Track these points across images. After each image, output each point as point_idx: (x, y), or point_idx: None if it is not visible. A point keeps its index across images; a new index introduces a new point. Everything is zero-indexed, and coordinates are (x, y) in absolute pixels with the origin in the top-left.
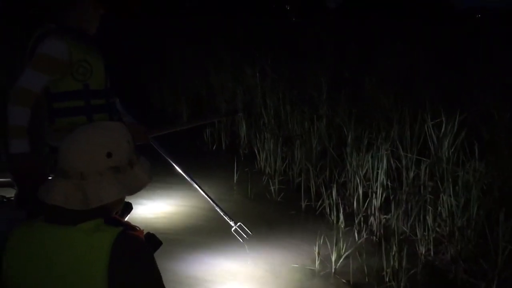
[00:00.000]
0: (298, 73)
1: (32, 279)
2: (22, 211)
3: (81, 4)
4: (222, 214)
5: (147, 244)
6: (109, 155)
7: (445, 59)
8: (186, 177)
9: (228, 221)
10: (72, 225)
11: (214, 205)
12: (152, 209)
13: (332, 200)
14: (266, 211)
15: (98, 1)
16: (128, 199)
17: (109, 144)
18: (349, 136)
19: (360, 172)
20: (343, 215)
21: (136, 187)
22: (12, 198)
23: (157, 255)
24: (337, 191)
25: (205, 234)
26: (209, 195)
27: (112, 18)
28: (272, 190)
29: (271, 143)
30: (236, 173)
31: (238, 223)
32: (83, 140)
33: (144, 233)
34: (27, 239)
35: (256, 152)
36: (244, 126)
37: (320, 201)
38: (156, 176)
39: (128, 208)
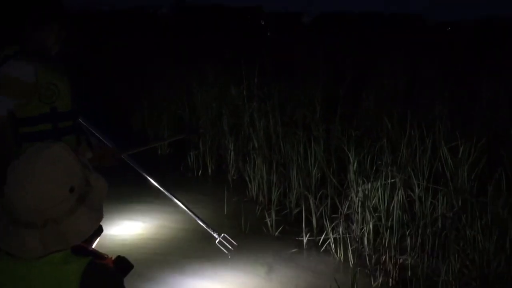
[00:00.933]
0: (288, 92)
1: None
2: None
3: (49, 27)
4: (204, 226)
5: (117, 273)
6: (71, 189)
7: (444, 72)
8: (163, 191)
9: (212, 233)
10: (38, 258)
11: (195, 217)
12: (131, 228)
13: (339, 234)
14: (263, 249)
15: (60, 20)
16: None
17: (66, 178)
18: (354, 162)
19: (369, 203)
20: (351, 252)
21: (101, 200)
22: None
23: (131, 277)
24: (342, 224)
25: (187, 253)
26: (189, 207)
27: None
28: (268, 223)
29: (264, 169)
30: (226, 203)
31: (222, 234)
32: (40, 187)
33: (114, 257)
34: None
35: (247, 179)
36: (232, 150)
37: (323, 235)
38: (135, 196)
39: (98, 231)
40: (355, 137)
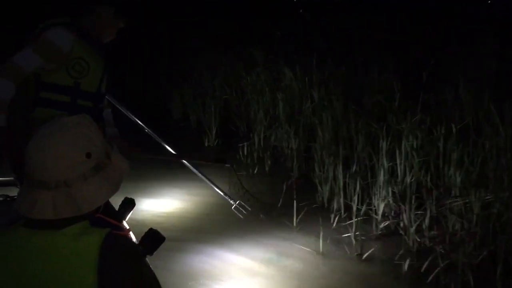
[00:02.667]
0: (352, 76)
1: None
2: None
3: (97, 12)
4: (222, 194)
5: (136, 243)
6: (88, 155)
7: None
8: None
9: (228, 200)
10: (56, 229)
11: (214, 186)
12: (159, 205)
13: (448, 259)
14: (350, 279)
15: (115, 11)
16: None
17: (85, 143)
18: (457, 166)
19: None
20: None
21: (120, 178)
22: (16, 197)
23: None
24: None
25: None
26: (209, 178)
27: None
28: (351, 240)
29: (338, 169)
30: (296, 212)
31: (238, 201)
32: (58, 146)
33: (146, 229)
34: (9, 246)
35: (317, 181)
36: (294, 144)
37: (427, 261)
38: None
39: (131, 204)
40: (456, 132)
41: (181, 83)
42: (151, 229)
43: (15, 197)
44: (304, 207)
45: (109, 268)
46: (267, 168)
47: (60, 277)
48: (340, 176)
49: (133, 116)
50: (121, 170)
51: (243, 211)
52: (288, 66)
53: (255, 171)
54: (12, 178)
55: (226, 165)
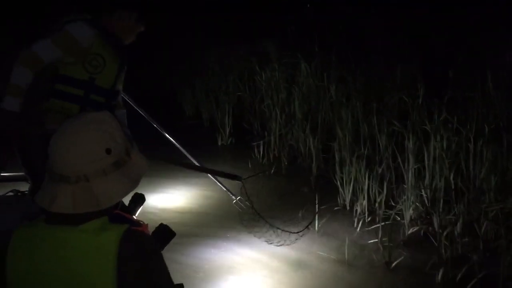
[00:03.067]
0: (371, 72)
1: (36, 282)
2: (36, 204)
3: (120, 14)
4: (224, 189)
5: (154, 239)
6: (108, 151)
7: None
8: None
9: (230, 195)
10: (76, 225)
11: (216, 182)
12: (166, 200)
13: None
14: None
15: (141, 18)
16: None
17: (105, 139)
18: (489, 170)
19: None
20: None
21: (139, 175)
22: (26, 192)
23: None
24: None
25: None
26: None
27: None
28: (379, 246)
29: (361, 170)
30: (318, 216)
31: (238, 197)
32: (80, 141)
33: (157, 224)
34: (30, 241)
35: (338, 182)
36: (311, 142)
37: (462, 271)
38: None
39: (141, 199)
40: (488, 132)
41: (192, 78)
42: (161, 224)
43: (26, 192)
44: (325, 211)
45: (128, 263)
46: (283, 168)
47: (80, 271)
48: (364, 178)
49: (154, 121)
50: (140, 168)
51: (243, 206)
52: (305, 61)
53: (272, 171)
54: (22, 173)
55: (238, 181)
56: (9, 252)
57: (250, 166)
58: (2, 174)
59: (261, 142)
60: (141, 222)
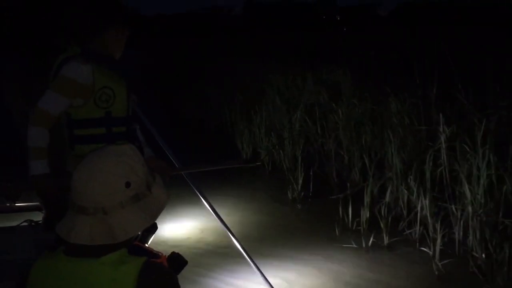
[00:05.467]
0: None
1: None
2: (50, 234)
3: (107, 31)
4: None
5: (172, 272)
6: (127, 184)
7: None
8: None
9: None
10: (95, 258)
11: (230, 234)
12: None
13: None
14: None
15: (123, 25)
16: None
17: (126, 172)
18: None
19: None
20: None
21: (158, 210)
22: (40, 222)
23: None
24: None
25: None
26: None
27: None
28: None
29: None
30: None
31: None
32: (99, 173)
33: (169, 253)
34: (50, 273)
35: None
36: (423, 201)
37: None
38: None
39: (153, 229)
40: None
41: (247, 110)
42: (173, 253)
43: (40, 221)
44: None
45: None
46: (386, 238)
47: None
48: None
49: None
50: (161, 203)
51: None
52: (392, 94)
53: (369, 243)
54: (37, 203)
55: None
56: (29, 283)
57: (337, 233)
58: (17, 204)
59: (346, 196)
60: (160, 254)
